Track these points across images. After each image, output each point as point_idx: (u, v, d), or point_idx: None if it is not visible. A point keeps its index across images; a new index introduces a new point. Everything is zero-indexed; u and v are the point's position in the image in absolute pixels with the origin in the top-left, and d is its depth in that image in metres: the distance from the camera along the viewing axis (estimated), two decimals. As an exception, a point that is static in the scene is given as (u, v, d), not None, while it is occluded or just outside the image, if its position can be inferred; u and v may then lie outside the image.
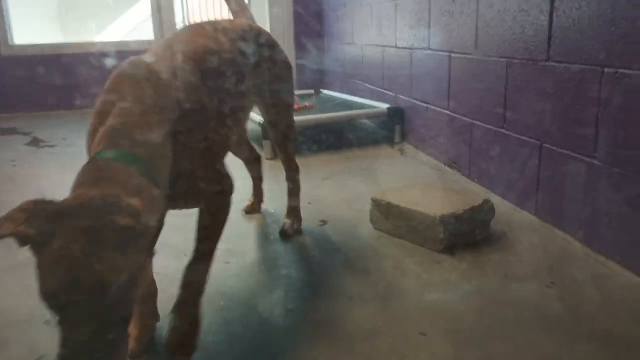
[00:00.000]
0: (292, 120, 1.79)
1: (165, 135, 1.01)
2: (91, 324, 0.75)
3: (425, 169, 2.56)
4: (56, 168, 2.69)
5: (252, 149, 2.01)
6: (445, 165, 2.54)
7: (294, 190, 1.85)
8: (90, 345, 0.75)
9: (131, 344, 1.11)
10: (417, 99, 2.83)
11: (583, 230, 1.64)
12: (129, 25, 5.39)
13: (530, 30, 1.82)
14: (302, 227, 1.84)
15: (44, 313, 0.80)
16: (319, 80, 4.56)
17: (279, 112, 1.72)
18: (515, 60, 1.92)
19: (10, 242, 0.77)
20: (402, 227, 1.72)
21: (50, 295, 0.75)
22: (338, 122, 3.20)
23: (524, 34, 1.85)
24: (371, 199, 1.82)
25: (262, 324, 1.29)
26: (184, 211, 1.19)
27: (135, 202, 0.79)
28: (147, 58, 1.15)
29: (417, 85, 2.83)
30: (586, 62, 1.57)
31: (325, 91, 4.07)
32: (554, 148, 1.75)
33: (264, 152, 2.77)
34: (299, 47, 4.59)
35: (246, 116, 1.48)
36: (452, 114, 2.44)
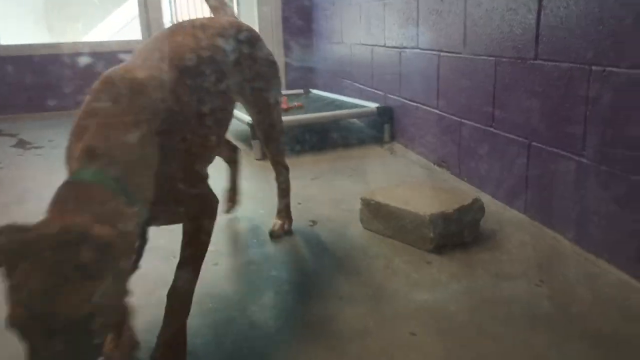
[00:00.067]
0: (277, 120, 1.74)
1: (146, 148, 0.99)
2: (55, 354, 0.75)
3: (414, 168, 2.56)
4: (43, 170, 2.66)
5: (232, 148, 1.98)
6: (434, 164, 2.54)
7: (284, 191, 1.84)
8: None
9: None
10: (406, 98, 2.83)
11: (572, 229, 1.64)
12: (116, 25, 5.36)
13: (518, 29, 1.82)
14: (292, 227, 1.83)
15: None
16: (309, 79, 4.55)
17: (261, 111, 1.69)
18: (504, 59, 1.92)
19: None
20: (392, 227, 1.72)
21: (12, 324, 0.75)
22: (327, 121, 3.20)
23: (512, 32, 1.85)
24: (361, 198, 1.82)
25: (252, 326, 1.28)
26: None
27: (104, 231, 0.78)
28: (125, 68, 1.12)
29: (406, 85, 2.83)
30: (574, 60, 1.58)
31: (314, 91, 4.06)
32: (542, 146, 1.76)
33: (253, 152, 2.76)
34: (288, 46, 4.57)
35: (228, 116, 1.45)
36: (441, 113, 2.44)
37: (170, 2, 4.66)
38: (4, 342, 1.26)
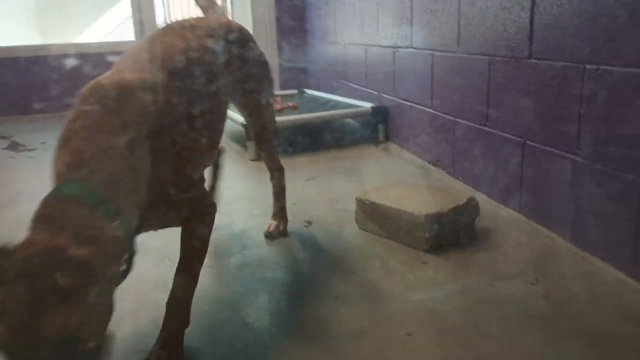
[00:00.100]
0: (270, 121, 1.73)
1: (135, 155, 0.98)
2: None
3: (409, 167, 2.56)
4: (36, 172, 2.64)
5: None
6: (429, 163, 2.54)
7: (278, 194, 1.82)
8: None
9: None
10: (400, 98, 2.83)
11: (567, 227, 1.64)
12: (109, 25, 5.34)
13: (512, 27, 1.82)
14: (287, 228, 1.82)
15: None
16: (302, 79, 4.54)
17: (253, 112, 1.67)
18: (498, 58, 1.92)
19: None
20: (387, 227, 1.71)
21: None
22: (322, 122, 3.19)
23: (505, 31, 1.85)
24: (355, 198, 1.81)
25: (247, 328, 1.28)
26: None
27: (81, 252, 0.78)
28: (114, 72, 1.10)
29: (400, 84, 2.83)
30: (568, 59, 1.58)
31: (308, 91, 4.06)
32: (537, 145, 1.76)
33: (247, 153, 2.75)
34: (282, 46, 4.57)
35: (221, 118, 1.42)
36: (436, 112, 2.44)
37: (163, 2, 4.65)
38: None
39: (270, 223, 1.80)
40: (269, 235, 1.77)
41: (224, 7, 4.73)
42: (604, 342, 1.17)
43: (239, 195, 2.24)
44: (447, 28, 2.24)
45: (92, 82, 1.06)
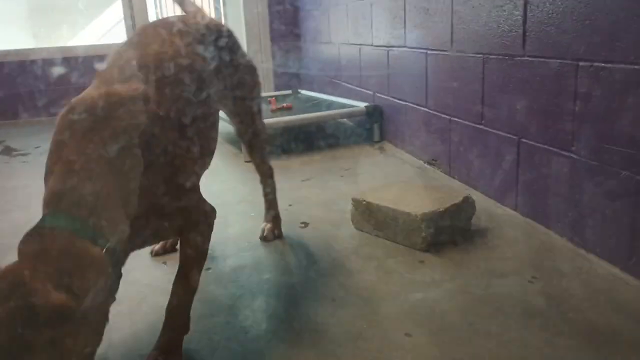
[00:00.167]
0: (262, 128, 1.72)
1: (124, 171, 0.97)
2: None
3: (405, 167, 2.56)
4: (30, 177, 2.63)
5: None
6: (425, 163, 2.54)
7: (271, 202, 1.81)
8: None
9: None
10: (395, 97, 2.83)
11: (563, 224, 1.64)
12: (102, 28, 5.31)
13: (505, 25, 1.82)
14: (283, 230, 1.81)
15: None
16: (297, 80, 4.54)
17: (244, 120, 1.65)
18: (492, 56, 1.92)
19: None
20: (384, 227, 1.71)
21: None
22: (317, 122, 3.19)
23: (499, 29, 1.86)
24: (352, 199, 1.81)
25: (245, 331, 1.27)
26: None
27: (58, 301, 0.78)
28: (99, 85, 1.08)
29: (394, 84, 2.83)
30: (562, 56, 1.58)
31: (303, 91, 4.05)
32: (532, 143, 1.76)
33: (242, 154, 2.75)
34: (276, 46, 4.56)
35: (213, 126, 1.39)
36: (431, 112, 2.44)
37: (155, 5, 4.64)
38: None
39: (264, 227, 1.79)
40: (265, 239, 1.77)
41: (217, 9, 4.73)
42: (601, 338, 1.17)
43: (235, 197, 2.24)
44: (441, 27, 2.24)
45: (82, 94, 1.05)
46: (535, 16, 1.67)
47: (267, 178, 1.79)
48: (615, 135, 1.42)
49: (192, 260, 1.17)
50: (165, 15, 4.63)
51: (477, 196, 1.95)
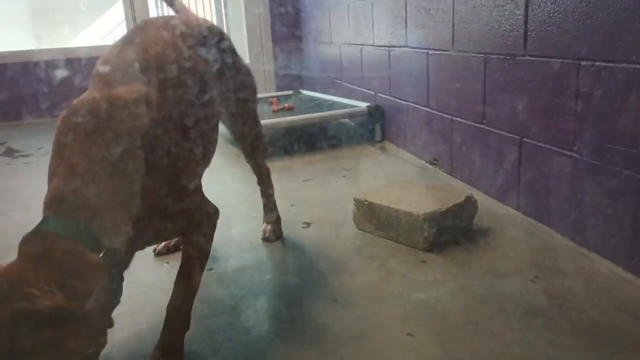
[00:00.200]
0: (260, 128, 1.72)
1: (126, 173, 0.97)
2: None
3: (407, 167, 2.56)
4: (32, 178, 2.64)
5: None
6: (427, 162, 2.54)
7: (271, 198, 1.81)
8: None
9: None
10: (396, 97, 2.83)
11: (565, 224, 1.64)
12: (103, 29, 5.32)
13: (506, 25, 1.82)
14: (285, 230, 1.81)
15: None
16: (298, 80, 4.54)
17: (247, 122, 1.65)
18: (493, 56, 1.92)
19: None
20: (386, 227, 1.71)
21: None
22: (318, 122, 3.19)
23: (500, 29, 1.86)
24: (353, 199, 1.81)
25: (248, 331, 1.27)
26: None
27: (53, 300, 0.78)
28: (101, 87, 1.07)
29: (396, 84, 2.83)
30: (563, 56, 1.58)
31: (304, 91, 4.05)
32: (534, 142, 1.76)
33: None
34: (277, 47, 4.56)
35: (214, 128, 1.39)
36: (432, 111, 2.44)
37: (157, 6, 4.64)
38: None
39: (265, 229, 1.79)
40: (267, 240, 1.77)
41: (218, 10, 4.73)
42: (604, 338, 1.17)
43: (237, 198, 2.24)
44: (442, 27, 2.24)
45: (83, 95, 1.05)
46: (536, 16, 1.67)
47: (266, 179, 1.79)
48: (617, 135, 1.42)
49: (195, 260, 1.17)
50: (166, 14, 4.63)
51: (479, 196, 1.95)
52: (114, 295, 0.94)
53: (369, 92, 3.19)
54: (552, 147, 1.67)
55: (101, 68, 1.15)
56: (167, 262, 1.60)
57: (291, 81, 4.51)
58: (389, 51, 2.81)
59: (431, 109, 2.44)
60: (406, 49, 2.62)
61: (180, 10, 1.62)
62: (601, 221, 1.50)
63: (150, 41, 1.24)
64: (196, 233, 1.17)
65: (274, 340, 1.24)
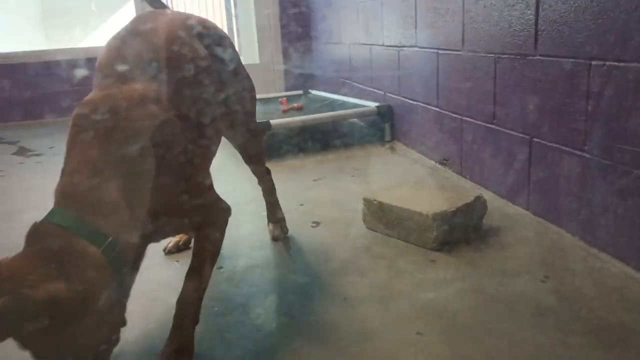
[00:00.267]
0: (258, 129, 1.73)
1: (138, 168, 0.99)
2: None
3: (416, 167, 2.55)
4: (44, 178, 2.66)
5: None
6: (436, 162, 2.54)
7: (274, 197, 1.81)
8: None
9: None
10: (406, 97, 2.83)
11: (575, 223, 1.64)
12: (114, 30, 5.36)
13: (517, 25, 1.81)
14: (294, 229, 1.82)
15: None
16: (308, 80, 4.55)
17: (247, 122, 1.64)
18: (504, 56, 1.91)
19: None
20: (395, 227, 1.71)
21: None
22: (328, 122, 3.19)
23: (511, 29, 1.85)
24: (363, 199, 1.81)
25: (257, 329, 1.28)
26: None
27: (50, 289, 0.80)
28: (104, 89, 1.08)
29: (405, 84, 2.83)
30: (574, 55, 1.57)
31: (314, 91, 4.06)
32: (544, 142, 1.75)
33: (254, 154, 2.75)
34: (287, 47, 4.57)
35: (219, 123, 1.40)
36: (442, 111, 2.43)
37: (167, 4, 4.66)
38: None
39: (271, 229, 1.80)
40: (276, 239, 1.78)
41: (228, 10, 4.75)
42: (614, 337, 1.16)
43: (245, 197, 2.25)
44: (452, 27, 2.24)
45: (93, 92, 1.06)
46: (547, 15, 1.66)
47: (266, 178, 1.80)
48: (627, 135, 1.41)
49: (207, 254, 1.18)
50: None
51: (488, 196, 1.95)
52: (121, 288, 0.95)
53: (379, 92, 3.19)
54: (563, 147, 1.66)
55: (105, 62, 1.17)
56: (177, 261, 1.61)
57: (302, 81, 4.52)
58: (399, 51, 2.81)
59: (441, 109, 2.44)
60: (416, 48, 2.62)
61: (157, 7, 1.60)
62: (611, 221, 1.49)
63: (154, 35, 1.24)
64: (210, 228, 1.18)
65: (283, 337, 1.24)
